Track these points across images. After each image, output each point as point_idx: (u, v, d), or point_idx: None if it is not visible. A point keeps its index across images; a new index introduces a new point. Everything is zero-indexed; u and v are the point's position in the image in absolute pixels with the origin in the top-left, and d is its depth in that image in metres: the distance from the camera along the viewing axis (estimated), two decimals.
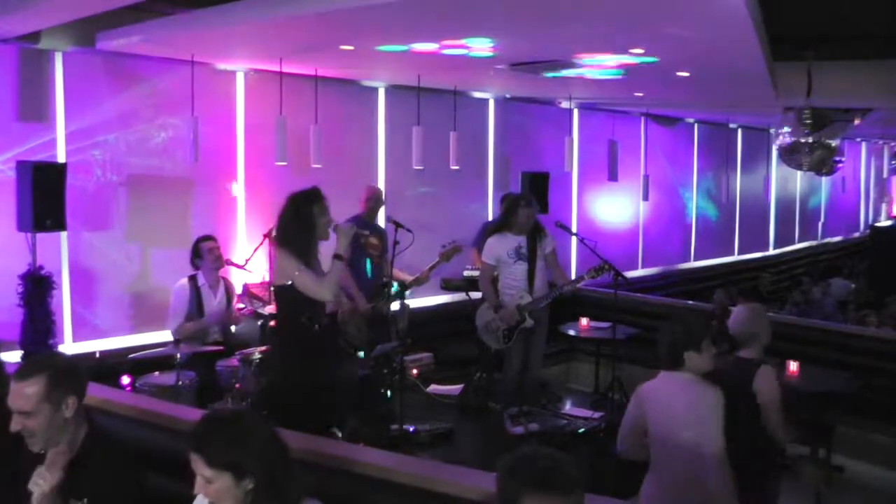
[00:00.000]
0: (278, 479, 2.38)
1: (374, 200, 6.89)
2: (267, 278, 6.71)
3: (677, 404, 3.56)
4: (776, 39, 5.56)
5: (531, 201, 6.30)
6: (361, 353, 6.22)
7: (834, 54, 6.55)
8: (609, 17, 4.57)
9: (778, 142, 8.92)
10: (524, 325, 6.11)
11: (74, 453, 2.74)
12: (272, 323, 5.70)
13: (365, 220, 6.74)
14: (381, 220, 7.40)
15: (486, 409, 6.49)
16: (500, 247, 6.18)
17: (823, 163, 8.23)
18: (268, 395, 4.67)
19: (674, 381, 3.64)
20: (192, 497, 2.73)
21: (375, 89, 8.30)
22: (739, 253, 14.65)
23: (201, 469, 2.32)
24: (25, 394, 2.65)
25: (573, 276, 6.71)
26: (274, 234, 4.63)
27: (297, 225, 4.42)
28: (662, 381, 3.70)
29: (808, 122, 7.23)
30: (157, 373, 5.56)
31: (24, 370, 2.72)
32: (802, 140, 7.51)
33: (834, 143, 8.01)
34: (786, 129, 7.71)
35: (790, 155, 7.99)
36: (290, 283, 4.36)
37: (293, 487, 2.42)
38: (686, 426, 3.51)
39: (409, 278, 6.26)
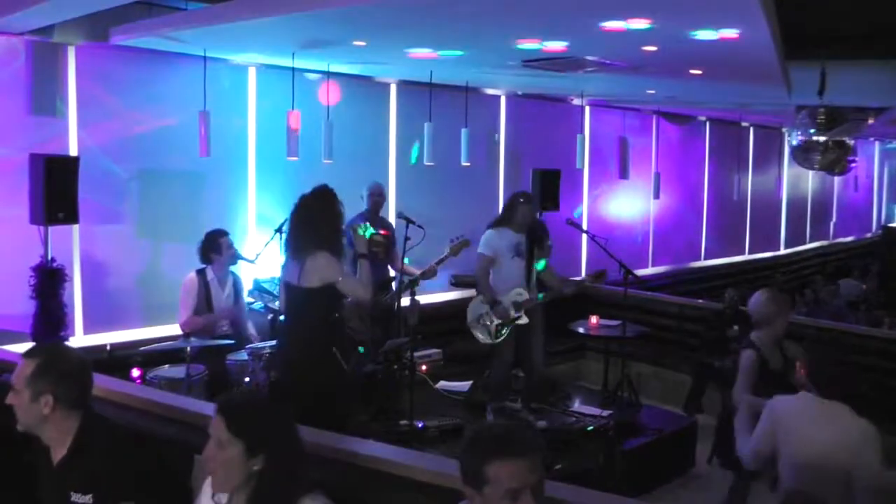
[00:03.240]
0: (287, 469, 2.39)
1: (377, 196, 6.92)
2: (278, 273, 6.72)
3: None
4: (789, 38, 5.53)
5: (531, 199, 6.32)
6: (361, 349, 6.24)
7: (848, 53, 6.51)
8: (620, 11, 4.55)
9: (791, 141, 8.90)
10: (518, 322, 6.11)
11: (68, 448, 2.71)
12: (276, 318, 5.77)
13: (370, 216, 6.75)
14: (390, 217, 7.42)
15: None
16: (500, 241, 6.15)
17: (836, 162, 8.21)
18: (286, 391, 4.64)
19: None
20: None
21: (387, 85, 8.30)
22: (750, 252, 14.59)
23: (219, 431, 2.35)
24: (19, 370, 2.69)
25: (583, 274, 6.74)
26: (294, 233, 4.58)
27: (329, 224, 4.47)
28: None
29: (822, 121, 7.20)
30: (167, 366, 5.58)
31: (31, 349, 2.79)
32: (816, 139, 7.49)
33: (847, 142, 7.99)
34: (799, 128, 7.68)
35: (803, 154, 7.97)
36: (327, 284, 4.40)
37: (300, 482, 2.42)
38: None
39: (417, 272, 6.28)
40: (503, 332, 6.08)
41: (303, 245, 4.48)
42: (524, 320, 6.11)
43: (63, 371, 2.70)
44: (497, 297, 6.07)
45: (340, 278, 4.43)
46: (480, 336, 6.22)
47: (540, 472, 2.13)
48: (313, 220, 4.48)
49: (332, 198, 4.54)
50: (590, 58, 6.05)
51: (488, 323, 6.12)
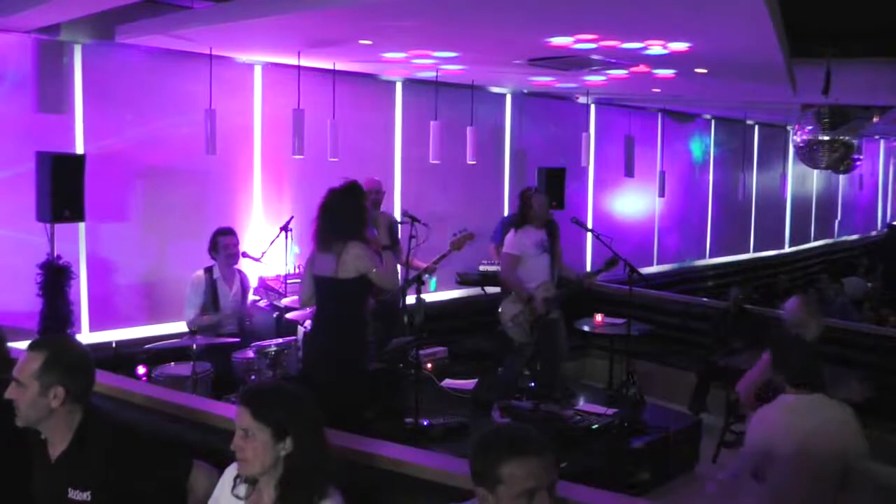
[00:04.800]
0: (314, 453, 2.44)
1: (374, 192, 6.83)
2: (284, 271, 6.73)
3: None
4: (795, 37, 5.53)
5: (539, 190, 6.42)
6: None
7: (853, 52, 6.49)
8: (625, 9, 4.56)
9: (796, 139, 8.88)
10: (550, 316, 6.17)
11: (69, 443, 2.68)
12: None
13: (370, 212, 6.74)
14: (395, 215, 7.42)
15: None
16: (526, 239, 6.28)
17: (841, 161, 8.20)
18: (315, 383, 4.65)
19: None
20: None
21: (393, 83, 8.30)
22: (755, 251, 14.57)
23: (245, 421, 2.40)
24: (24, 363, 2.64)
25: (588, 271, 6.78)
26: (328, 226, 4.62)
27: (358, 218, 4.60)
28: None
29: (827, 120, 7.19)
30: (172, 363, 5.59)
31: (36, 342, 2.75)
32: (820, 138, 7.48)
33: (852, 140, 7.97)
34: (807, 127, 7.67)
35: (808, 153, 7.96)
36: (361, 274, 4.51)
37: (327, 467, 2.47)
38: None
39: (422, 265, 6.30)
40: (535, 328, 6.15)
41: (335, 237, 4.54)
42: (555, 314, 6.19)
43: (71, 363, 2.68)
44: (532, 294, 6.15)
45: (374, 269, 4.54)
46: (516, 336, 6.24)
47: (554, 471, 2.14)
48: (343, 213, 4.56)
49: (359, 192, 4.69)
50: (595, 57, 6.05)
51: (522, 322, 6.16)
